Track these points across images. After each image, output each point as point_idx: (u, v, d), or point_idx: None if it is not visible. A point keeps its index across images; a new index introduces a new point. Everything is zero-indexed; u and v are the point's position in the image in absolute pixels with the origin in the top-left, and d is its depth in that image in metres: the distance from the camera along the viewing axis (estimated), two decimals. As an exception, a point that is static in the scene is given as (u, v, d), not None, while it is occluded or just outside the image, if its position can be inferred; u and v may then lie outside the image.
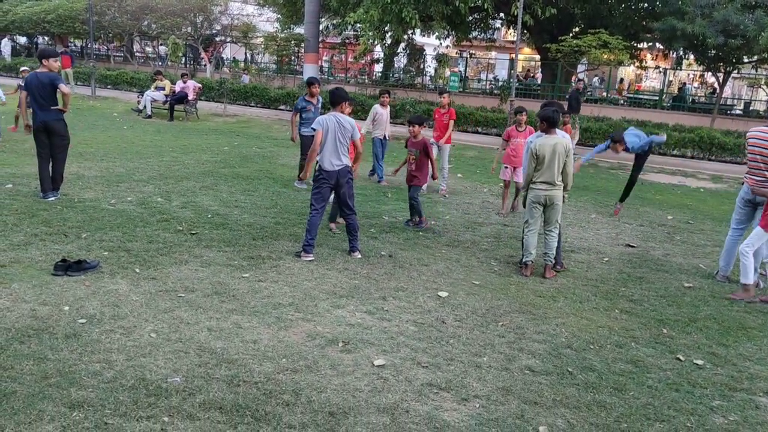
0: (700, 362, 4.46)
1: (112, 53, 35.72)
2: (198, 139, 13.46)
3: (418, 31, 23.39)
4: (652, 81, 35.49)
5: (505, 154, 8.69)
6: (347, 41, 28.31)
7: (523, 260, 6.25)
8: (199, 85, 17.90)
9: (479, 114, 18.62)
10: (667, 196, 11.21)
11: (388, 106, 10.45)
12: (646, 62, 24.83)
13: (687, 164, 15.25)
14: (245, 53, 29.99)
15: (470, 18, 23.30)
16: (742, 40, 16.05)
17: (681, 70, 24.49)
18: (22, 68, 14.75)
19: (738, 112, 23.59)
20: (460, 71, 25.91)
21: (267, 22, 29.87)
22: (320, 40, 24.73)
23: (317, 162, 6.23)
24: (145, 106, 16.73)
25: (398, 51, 27.80)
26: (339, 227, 7.08)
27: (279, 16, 27.59)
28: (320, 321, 4.66)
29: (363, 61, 26.59)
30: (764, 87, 22.30)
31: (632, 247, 7.55)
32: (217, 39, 30.48)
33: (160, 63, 30.59)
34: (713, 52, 17.47)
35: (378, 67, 28.93)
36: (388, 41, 24.44)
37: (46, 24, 29.01)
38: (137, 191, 8.23)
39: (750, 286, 5.89)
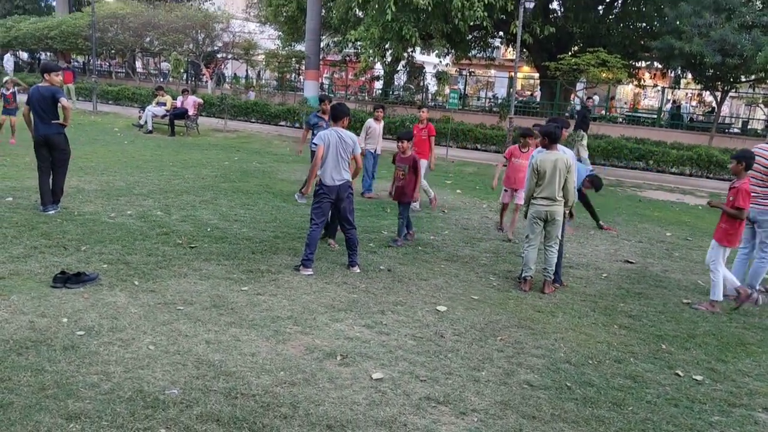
0: (699, 378, 4.45)
1: (114, 69, 35.98)
2: (198, 154, 13.51)
3: (418, 48, 23.61)
4: (650, 100, 35.76)
5: (505, 176, 8.45)
6: (348, 58, 28.55)
7: (523, 275, 6.25)
8: (200, 100, 18.00)
9: (478, 131, 18.75)
10: (665, 212, 11.23)
11: (382, 121, 10.48)
12: (644, 81, 25.03)
13: (686, 182, 15.31)
14: (246, 70, 30.19)
15: (470, 36, 23.56)
16: (740, 60, 16.21)
17: (679, 89, 24.67)
18: (5, 79, 14.39)
19: (736, 130, 23.73)
20: (459, 89, 26.11)
21: (268, 39, 30.13)
22: (321, 57, 24.93)
23: (318, 176, 6.25)
24: (146, 122, 16.81)
25: (398, 68, 28.02)
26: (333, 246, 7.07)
27: (280, 33, 27.83)
28: (319, 334, 4.66)
29: (363, 79, 26.78)
30: (761, 106, 22.45)
31: (631, 263, 7.55)
32: (219, 56, 30.72)
33: (161, 79, 30.79)
34: (711, 71, 17.63)
35: (378, 85, 29.13)
36: (389, 59, 24.63)
37: (49, 40, 29.26)
38: (137, 205, 8.25)
39: (717, 303, 5.97)
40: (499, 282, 6.39)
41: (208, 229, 7.33)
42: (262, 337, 4.52)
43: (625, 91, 33.32)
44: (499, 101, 26.01)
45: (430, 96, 26.66)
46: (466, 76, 29.81)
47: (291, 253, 6.64)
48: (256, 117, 22.03)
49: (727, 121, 24.93)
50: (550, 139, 6.09)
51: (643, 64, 24.02)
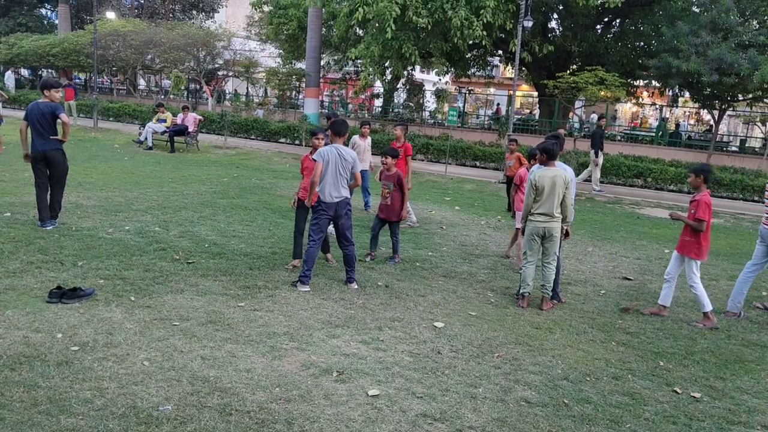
0: (697, 395, 4.42)
1: (115, 86, 36.18)
2: (198, 171, 13.54)
3: (417, 67, 23.77)
4: (648, 118, 35.94)
5: (517, 200, 7.82)
6: (348, 76, 28.73)
7: (520, 292, 6.23)
8: (200, 117, 18.09)
9: (477, 148, 18.81)
10: (663, 230, 11.23)
11: (369, 137, 10.43)
12: (642, 99, 25.17)
13: (684, 199, 15.31)
14: (247, 87, 30.37)
15: (469, 55, 23.74)
16: (736, 78, 16.32)
17: (677, 107, 24.82)
18: None
19: (734, 148, 23.83)
20: (458, 106, 26.26)
21: (269, 57, 30.35)
22: (321, 75, 25.09)
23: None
24: (146, 138, 16.87)
25: (398, 86, 28.21)
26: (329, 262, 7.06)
27: (281, 51, 28.05)
28: (315, 350, 4.63)
29: (363, 96, 26.93)
30: (759, 124, 22.56)
31: (629, 280, 7.54)
32: (220, 73, 30.91)
33: (162, 96, 30.96)
34: (708, 89, 17.74)
35: (378, 102, 29.29)
36: (388, 77, 24.82)
37: (51, 57, 29.48)
38: (135, 221, 8.25)
39: (710, 313, 6.01)
40: (497, 298, 6.37)
41: (206, 245, 7.32)
42: (257, 353, 4.49)
43: (624, 109, 33.51)
44: (498, 117, 26.14)
45: (428, 113, 26.81)
46: (465, 94, 30.00)
47: (288, 269, 6.62)
48: (256, 134, 22.10)
49: (725, 139, 25.05)
50: (548, 156, 6.10)
51: (641, 82, 24.16)
